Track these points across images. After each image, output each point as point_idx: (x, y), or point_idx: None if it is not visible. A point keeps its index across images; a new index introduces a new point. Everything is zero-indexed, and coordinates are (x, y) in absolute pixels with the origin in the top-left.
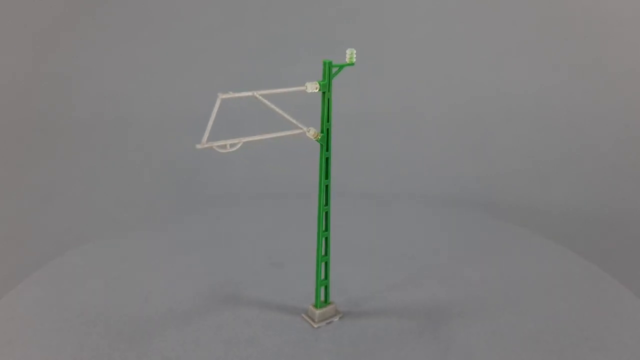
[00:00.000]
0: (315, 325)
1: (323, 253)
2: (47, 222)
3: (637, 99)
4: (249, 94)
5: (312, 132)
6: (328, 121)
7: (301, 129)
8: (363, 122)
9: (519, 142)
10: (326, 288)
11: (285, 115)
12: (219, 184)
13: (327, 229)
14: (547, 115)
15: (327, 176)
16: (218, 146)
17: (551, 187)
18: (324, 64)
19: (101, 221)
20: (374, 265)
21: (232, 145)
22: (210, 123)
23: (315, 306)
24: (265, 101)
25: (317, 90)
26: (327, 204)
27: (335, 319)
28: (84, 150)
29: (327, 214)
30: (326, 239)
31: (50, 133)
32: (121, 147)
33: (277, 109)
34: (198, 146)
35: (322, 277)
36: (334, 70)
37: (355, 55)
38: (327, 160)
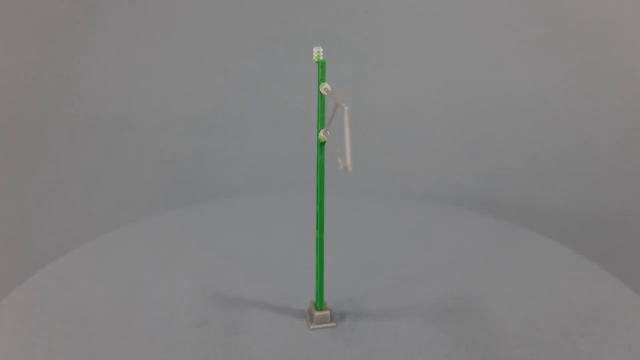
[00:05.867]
0: (311, 327)
1: (321, 255)
2: (47, 222)
3: (637, 99)
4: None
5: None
6: (323, 122)
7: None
8: (363, 122)
9: (519, 142)
10: (321, 290)
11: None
12: (219, 184)
13: (322, 230)
14: (547, 115)
15: (323, 176)
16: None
17: (551, 187)
18: (320, 64)
19: (101, 221)
20: (372, 264)
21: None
22: (349, 141)
23: (318, 309)
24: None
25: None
26: (322, 204)
27: (333, 324)
28: (84, 150)
29: (323, 215)
30: (322, 240)
31: (50, 133)
32: (121, 147)
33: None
34: (349, 170)
35: (320, 279)
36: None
37: (322, 53)
38: (323, 160)
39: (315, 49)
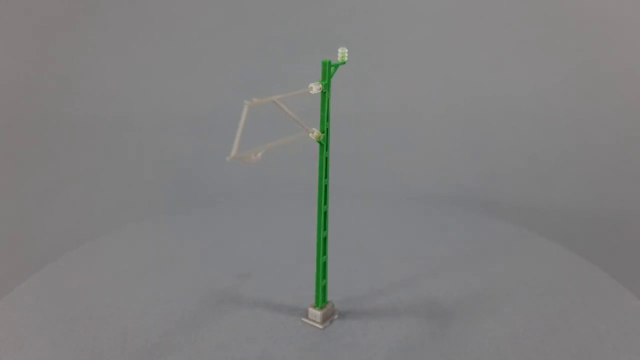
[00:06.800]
0: (321, 327)
1: (322, 253)
2: (47, 222)
3: (637, 99)
4: (270, 99)
5: (316, 134)
6: (327, 121)
7: (307, 130)
8: (363, 122)
9: (519, 142)
10: (324, 288)
11: (295, 118)
12: (218, 184)
13: (325, 228)
14: (547, 115)
15: (326, 175)
16: (245, 157)
17: (551, 187)
18: (324, 63)
19: (101, 221)
20: (373, 264)
21: (256, 154)
22: (239, 133)
23: (317, 307)
24: (283, 106)
25: (320, 90)
26: (325, 203)
27: (335, 317)
28: (84, 150)
29: (325, 213)
30: (324, 238)
31: (50, 133)
32: (121, 147)
33: (290, 113)
34: (228, 159)
35: (319, 278)
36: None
37: (347, 54)
38: (327, 159)
39: (340, 50)
